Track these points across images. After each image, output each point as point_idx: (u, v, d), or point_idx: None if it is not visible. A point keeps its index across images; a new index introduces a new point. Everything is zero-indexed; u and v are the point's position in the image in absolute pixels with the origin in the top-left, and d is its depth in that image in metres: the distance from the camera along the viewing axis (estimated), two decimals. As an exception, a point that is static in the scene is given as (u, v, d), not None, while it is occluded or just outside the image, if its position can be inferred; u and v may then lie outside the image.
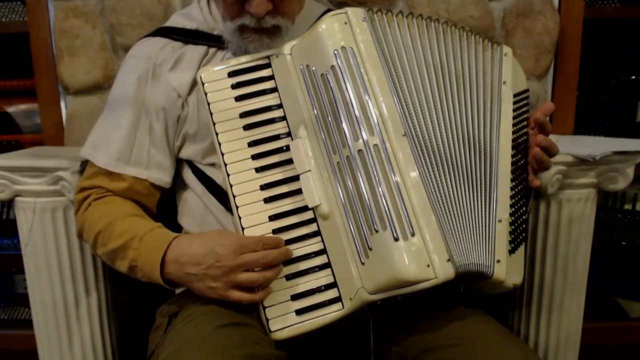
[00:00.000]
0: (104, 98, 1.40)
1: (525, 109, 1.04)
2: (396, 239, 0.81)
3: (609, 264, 1.60)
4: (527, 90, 1.08)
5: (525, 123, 1.02)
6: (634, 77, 1.65)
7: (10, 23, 1.54)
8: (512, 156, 0.97)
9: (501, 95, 1.00)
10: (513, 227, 0.94)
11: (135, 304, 1.37)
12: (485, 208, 0.91)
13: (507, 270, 0.90)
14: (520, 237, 0.96)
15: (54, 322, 1.20)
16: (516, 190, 0.96)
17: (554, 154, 0.99)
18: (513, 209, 0.95)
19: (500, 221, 0.91)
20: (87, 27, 1.38)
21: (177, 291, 1.06)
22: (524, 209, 0.98)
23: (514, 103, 1.02)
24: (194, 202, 1.07)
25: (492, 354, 0.86)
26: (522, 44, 1.42)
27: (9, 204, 1.61)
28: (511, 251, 0.93)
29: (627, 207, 1.64)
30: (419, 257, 0.81)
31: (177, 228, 1.10)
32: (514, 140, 0.98)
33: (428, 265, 0.81)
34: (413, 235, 0.81)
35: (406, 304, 0.97)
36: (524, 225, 0.97)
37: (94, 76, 1.40)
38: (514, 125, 1.00)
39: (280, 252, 0.87)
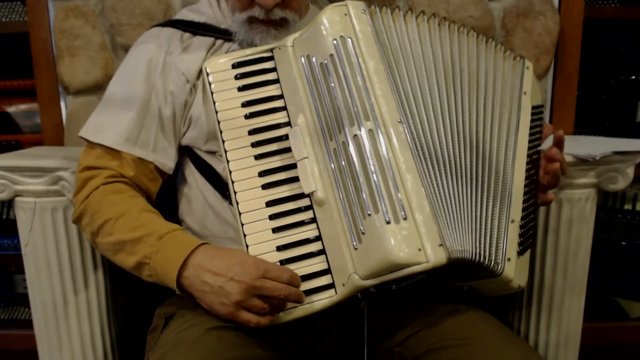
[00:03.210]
0: (104, 98, 1.40)
1: (539, 122, 1.06)
2: (388, 222, 0.81)
3: (609, 264, 1.60)
4: (542, 106, 1.10)
5: (539, 135, 1.04)
6: (634, 77, 1.65)
7: (10, 23, 1.54)
8: (526, 163, 0.99)
9: (521, 105, 1.02)
10: (522, 230, 0.95)
11: (135, 304, 1.37)
12: (497, 207, 0.92)
13: (516, 270, 0.91)
14: (528, 242, 0.97)
15: (54, 322, 1.20)
16: (528, 196, 0.98)
17: (565, 171, 1.01)
18: (524, 213, 0.96)
19: (512, 221, 0.92)
20: (87, 27, 1.38)
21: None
22: (532, 216, 0.99)
23: (531, 115, 1.04)
24: (194, 196, 1.07)
25: (494, 354, 0.86)
26: (522, 44, 1.42)
27: (9, 204, 1.61)
28: (520, 253, 0.94)
29: (627, 207, 1.64)
30: (411, 241, 0.81)
31: (177, 223, 1.10)
32: (528, 149, 1.00)
33: (420, 249, 0.80)
34: (405, 219, 0.82)
35: (406, 304, 0.98)
36: (531, 232, 0.99)
37: (94, 76, 1.40)
38: (529, 135, 1.02)
39: (298, 294, 0.85)
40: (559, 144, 0.99)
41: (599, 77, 1.66)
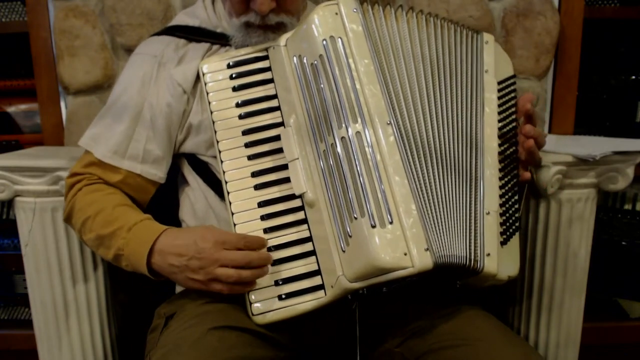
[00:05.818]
0: (104, 98, 1.40)
1: (512, 95, 1.04)
2: (373, 226, 0.81)
3: (609, 264, 1.60)
4: (513, 77, 1.07)
5: (513, 109, 1.02)
6: (634, 77, 1.65)
7: (10, 23, 1.54)
8: (499, 145, 0.97)
9: (484, 85, 1.01)
10: (504, 217, 0.94)
11: (135, 304, 1.37)
12: (472, 200, 0.91)
13: (500, 262, 0.90)
14: (513, 227, 0.95)
15: (54, 322, 1.20)
16: (505, 180, 0.96)
17: (542, 145, 0.99)
18: (503, 199, 0.94)
19: (488, 213, 0.91)
20: (87, 27, 1.38)
21: (177, 291, 1.06)
22: (515, 198, 0.97)
23: (499, 91, 1.02)
24: (196, 199, 1.07)
25: (494, 354, 0.86)
26: (522, 44, 1.42)
27: (9, 204, 1.61)
28: (503, 242, 0.92)
29: (627, 207, 1.64)
30: (396, 245, 0.80)
31: (177, 223, 1.10)
32: (500, 129, 0.98)
33: (405, 254, 0.80)
34: (391, 222, 0.81)
35: (405, 305, 0.98)
36: (516, 215, 0.97)
37: (94, 76, 1.40)
38: (499, 113, 1.00)
39: (260, 256, 0.87)
40: (529, 118, 0.98)
41: (599, 77, 1.66)
